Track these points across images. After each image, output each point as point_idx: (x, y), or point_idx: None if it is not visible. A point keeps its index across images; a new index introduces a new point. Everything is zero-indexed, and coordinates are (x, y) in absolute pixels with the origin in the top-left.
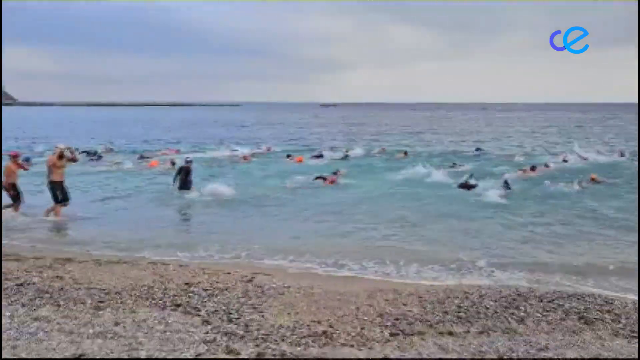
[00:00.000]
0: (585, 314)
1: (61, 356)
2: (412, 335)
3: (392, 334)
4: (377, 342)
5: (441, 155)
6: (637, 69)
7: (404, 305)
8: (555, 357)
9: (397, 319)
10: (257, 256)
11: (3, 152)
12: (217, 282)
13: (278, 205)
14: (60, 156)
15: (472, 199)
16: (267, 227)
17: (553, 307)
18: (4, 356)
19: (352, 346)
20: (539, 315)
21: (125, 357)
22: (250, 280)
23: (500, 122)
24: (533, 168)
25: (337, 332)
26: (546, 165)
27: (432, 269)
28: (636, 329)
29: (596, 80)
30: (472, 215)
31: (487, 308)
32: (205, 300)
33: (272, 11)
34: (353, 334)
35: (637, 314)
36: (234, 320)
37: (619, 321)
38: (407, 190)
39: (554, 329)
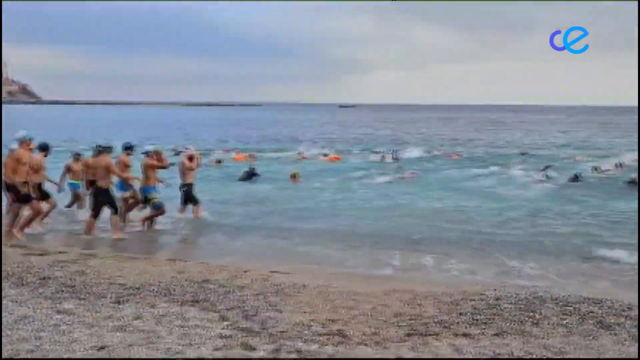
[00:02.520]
0: (603, 318)
1: (84, 347)
2: (427, 335)
3: (407, 334)
4: (392, 341)
5: (491, 156)
6: (637, 71)
7: (420, 305)
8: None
9: (412, 319)
10: (277, 255)
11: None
12: (234, 280)
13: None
14: (190, 158)
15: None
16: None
17: (570, 311)
18: (6, 354)
19: (366, 345)
20: (555, 318)
21: (146, 349)
22: (267, 279)
23: (533, 125)
24: (595, 169)
25: (353, 331)
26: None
27: (449, 269)
28: None
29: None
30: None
31: (503, 310)
32: (222, 297)
33: (294, 11)
34: (368, 333)
35: None
36: (250, 317)
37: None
38: (458, 193)
39: (570, 332)
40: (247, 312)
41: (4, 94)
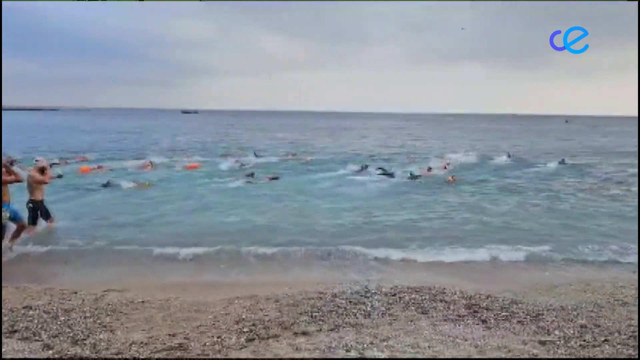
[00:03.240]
0: (422, 304)
1: None
2: (268, 338)
3: (248, 340)
4: (233, 349)
5: (339, 159)
6: (637, 72)
7: (261, 310)
8: (396, 345)
9: (254, 325)
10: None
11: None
12: (61, 303)
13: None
14: (42, 170)
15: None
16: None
17: (396, 300)
18: None
19: (207, 355)
20: (383, 308)
21: None
22: (99, 299)
23: (372, 130)
24: (429, 169)
25: (193, 343)
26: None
27: (292, 269)
28: (462, 313)
29: (445, 93)
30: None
31: (339, 306)
32: (46, 323)
33: (135, 11)
34: (209, 343)
35: (465, 301)
36: (79, 341)
37: (449, 308)
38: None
39: (395, 319)
40: (76, 336)
41: None
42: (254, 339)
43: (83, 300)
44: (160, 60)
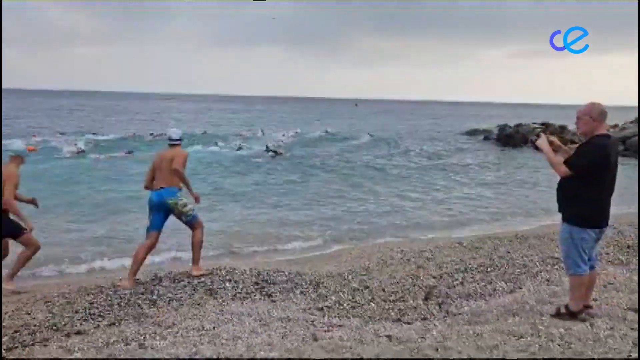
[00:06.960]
0: (211, 286)
1: None
2: (33, 345)
3: (7, 349)
4: None
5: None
6: (637, 70)
7: (28, 314)
8: (180, 330)
9: (16, 332)
10: None
11: None
12: None
13: None
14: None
15: None
16: None
17: (184, 285)
18: None
19: None
20: (170, 295)
21: None
22: None
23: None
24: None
25: None
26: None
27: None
28: (250, 290)
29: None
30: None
31: (122, 298)
32: None
33: None
34: None
35: (253, 278)
36: None
37: (237, 287)
38: None
39: (182, 305)
40: None
41: None
42: (15, 348)
43: None
44: None
